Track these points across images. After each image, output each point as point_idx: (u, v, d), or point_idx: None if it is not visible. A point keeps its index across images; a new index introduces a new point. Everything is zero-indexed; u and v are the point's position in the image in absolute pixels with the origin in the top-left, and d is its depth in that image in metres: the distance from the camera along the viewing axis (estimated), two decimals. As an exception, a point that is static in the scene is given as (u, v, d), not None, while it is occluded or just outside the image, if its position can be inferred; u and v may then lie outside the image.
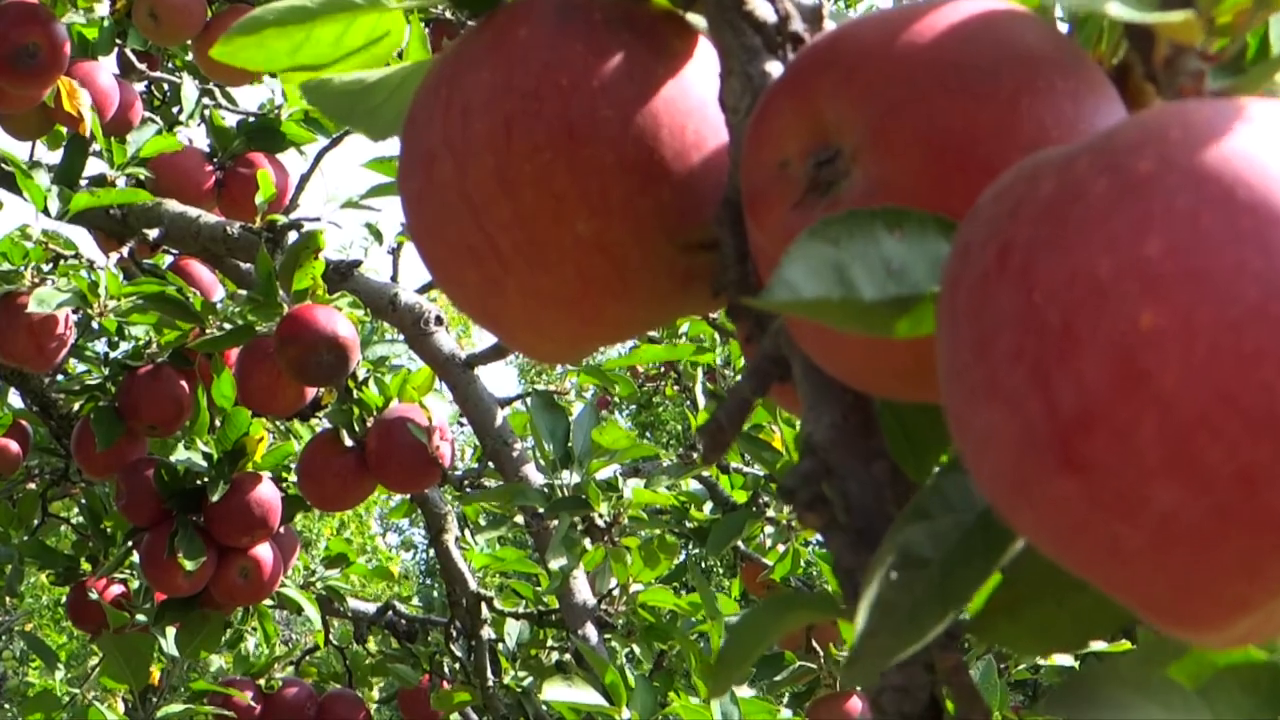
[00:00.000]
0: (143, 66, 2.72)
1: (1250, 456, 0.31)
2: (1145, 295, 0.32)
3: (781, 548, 2.47)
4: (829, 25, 0.56)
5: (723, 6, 0.53)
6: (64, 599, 2.67)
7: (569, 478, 1.97)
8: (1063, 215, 0.34)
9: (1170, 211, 0.32)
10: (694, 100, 0.56)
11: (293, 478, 2.36)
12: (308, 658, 3.18)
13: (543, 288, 0.56)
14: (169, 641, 2.46)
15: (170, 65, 2.96)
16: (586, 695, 1.84)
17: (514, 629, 2.53)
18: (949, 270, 0.36)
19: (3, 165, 2.28)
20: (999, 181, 0.37)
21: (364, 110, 0.67)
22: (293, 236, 2.27)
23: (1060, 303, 0.33)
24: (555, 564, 1.94)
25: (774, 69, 0.52)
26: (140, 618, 2.48)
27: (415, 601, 3.43)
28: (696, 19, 0.59)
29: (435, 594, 3.00)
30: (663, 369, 3.33)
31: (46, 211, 2.16)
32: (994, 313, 0.34)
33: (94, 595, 2.54)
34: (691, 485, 2.62)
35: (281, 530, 2.43)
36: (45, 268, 2.24)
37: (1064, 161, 0.35)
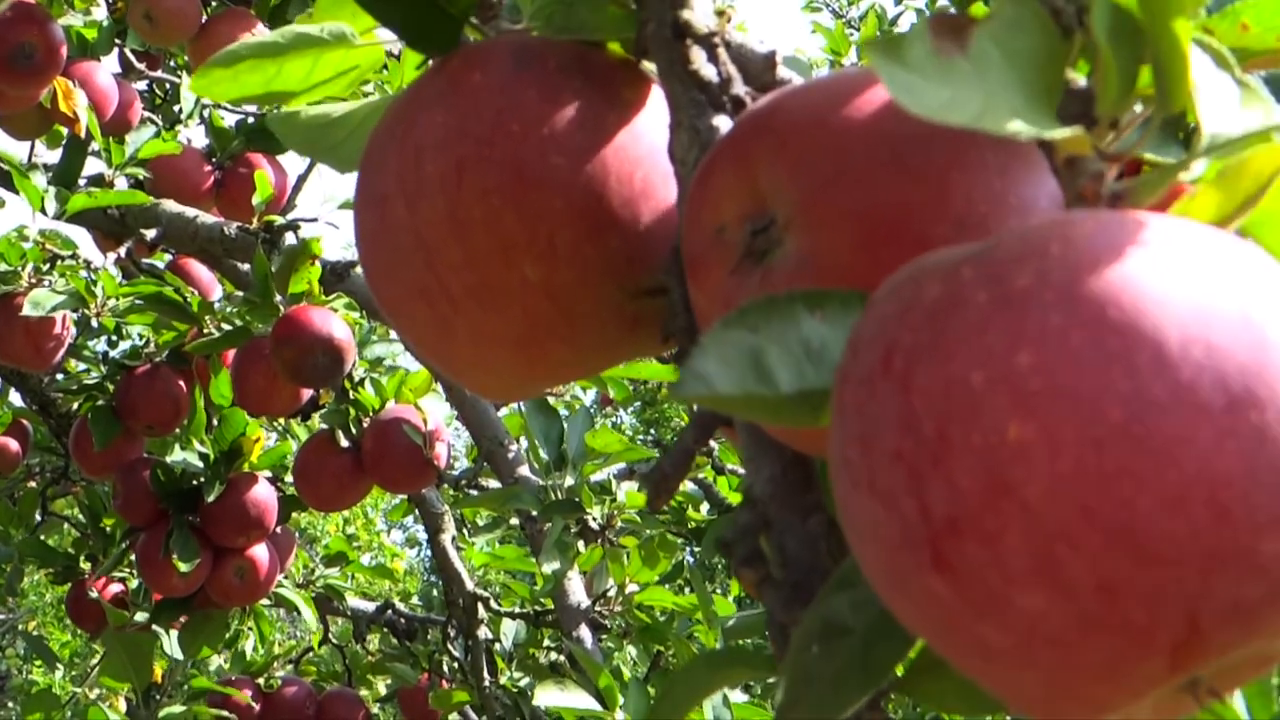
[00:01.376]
0: (142, 66, 2.72)
1: (1110, 569, 0.32)
2: (1014, 409, 0.32)
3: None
4: (781, 73, 0.56)
5: (670, 61, 0.54)
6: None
7: (563, 481, 1.97)
8: (944, 323, 0.34)
9: (1043, 328, 0.33)
10: (644, 148, 0.57)
11: (290, 478, 2.36)
12: (307, 656, 3.19)
13: (491, 329, 0.57)
14: (170, 640, 2.46)
15: (171, 65, 2.96)
16: (579, 699, 1.84)
17: (510, 629, 2.53)
18: (841, 365, 0.37)
19: (1, 165, 2.29)
20: (893, 278, 0.37)
21: (328, 145, 0.68)
22: (290, 237, 2.27)
23: (936, 410, 0.33)
24: (548, 567, 1.94)
25: (722, 124, 0.53)
26: (140, 616, 2.48)
27: (416, 600, 3.44)
28: (651, 67, 0.59)
29: (436, 592, 3.01)
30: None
31: (44, 211, 2.16)
32: (876, 413, 0.35)
33: (93, 594, 2.55)
34: (689, 487, 2.62)
35: (278, 530, 2.43)
36: (43, 268, 2.24)
37: (950, 268, 0.36)
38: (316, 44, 0.66)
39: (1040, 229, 0.35)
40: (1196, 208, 0.38)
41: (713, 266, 0.48)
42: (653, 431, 8.02)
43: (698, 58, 0.53)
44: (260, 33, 2.34)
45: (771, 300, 0.39)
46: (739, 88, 0.53)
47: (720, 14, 0.56)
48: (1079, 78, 0.39)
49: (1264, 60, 0.42)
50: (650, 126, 0.57)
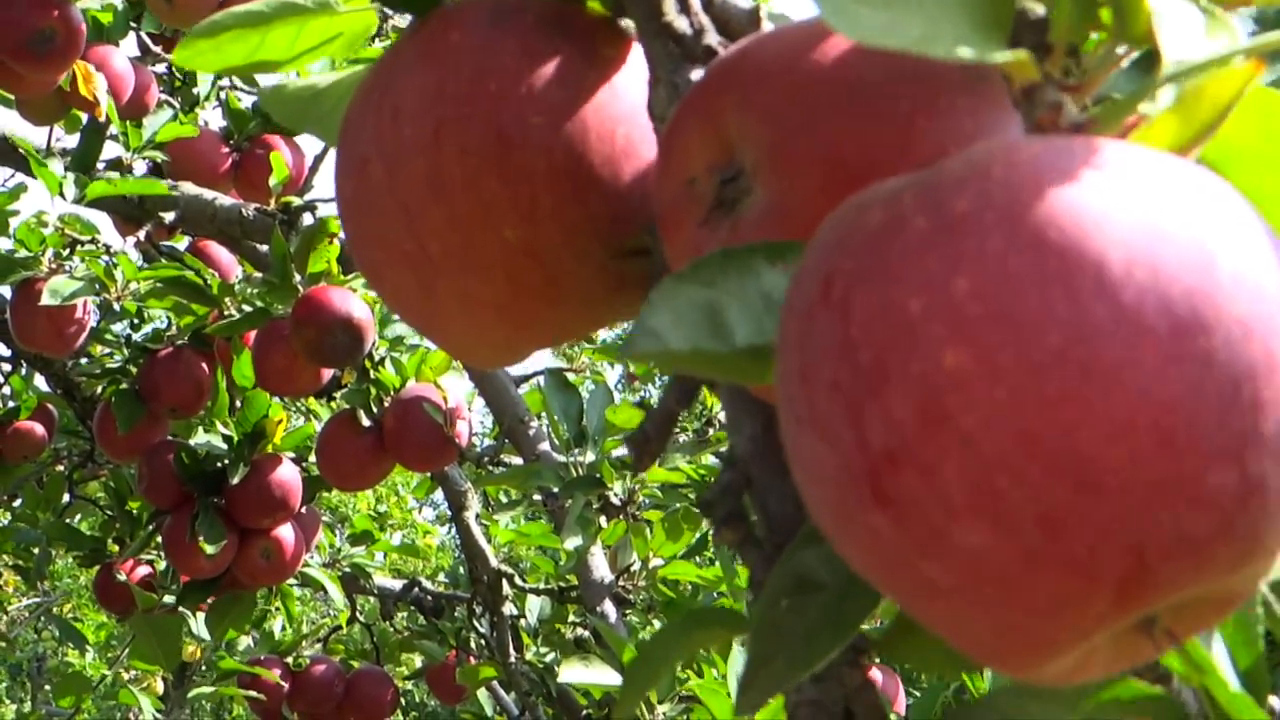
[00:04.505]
0: (158, 49, 2.72)
1: (1052, 500, 0.31)
2: (951, 335, 0.31)
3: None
4: (765, 27, 0.55)
5: (646, 15, 0.53)
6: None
7: (583, 457, 1.97)
8: (883, 250, 0.33)
9: (981, 252, 0.32)
10: (625, 106, 0.56)
11: (314, 458, 2.37)
12: (335, 635, 3.20)
13: (475, 292, 0.56)
14: (198, 622, 2.48)
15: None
16: (604, 675, 1.84)
17: (536, 605, 2.54)
18: (786, 297, 0.36)
19: (20, 150, 2.29)
20: (838, 209, 0.36)
21: (315, 115, 0.68)
22: (308, 218, 2.27)
23: (874, 338, 0.32)
24: (570, 544, 1.94)
25: (700, 78, 0.52)
26: (168, 598, 2.50)
27: (443, 578, 3.45)
28: (630, 24, 0.58)
29: (462, 570, 3.02)
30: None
31: (63, 196, 2.17)
32: (816, 342, 0.34)
33: (121, 577, 2.56)
34: (711, 460, 2.62)
35: (303, 511, 2.44)
36: (63, 253, 2.25)
37: (893, 194, 0.34)
38: (300, 11, 0.65)
39: (984, 152, 0.34)
40: (1154, 135, 0.37)
41: (683, 219, 0.47)
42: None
43: (670, 9, 0.52)
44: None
45: (728, 253, 0.38)
46: (712, 38, 0.52)
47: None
48: (1036, 6, 0.38)
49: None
50: (631, 84, 0.56)
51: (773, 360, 0.37)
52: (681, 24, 0.52)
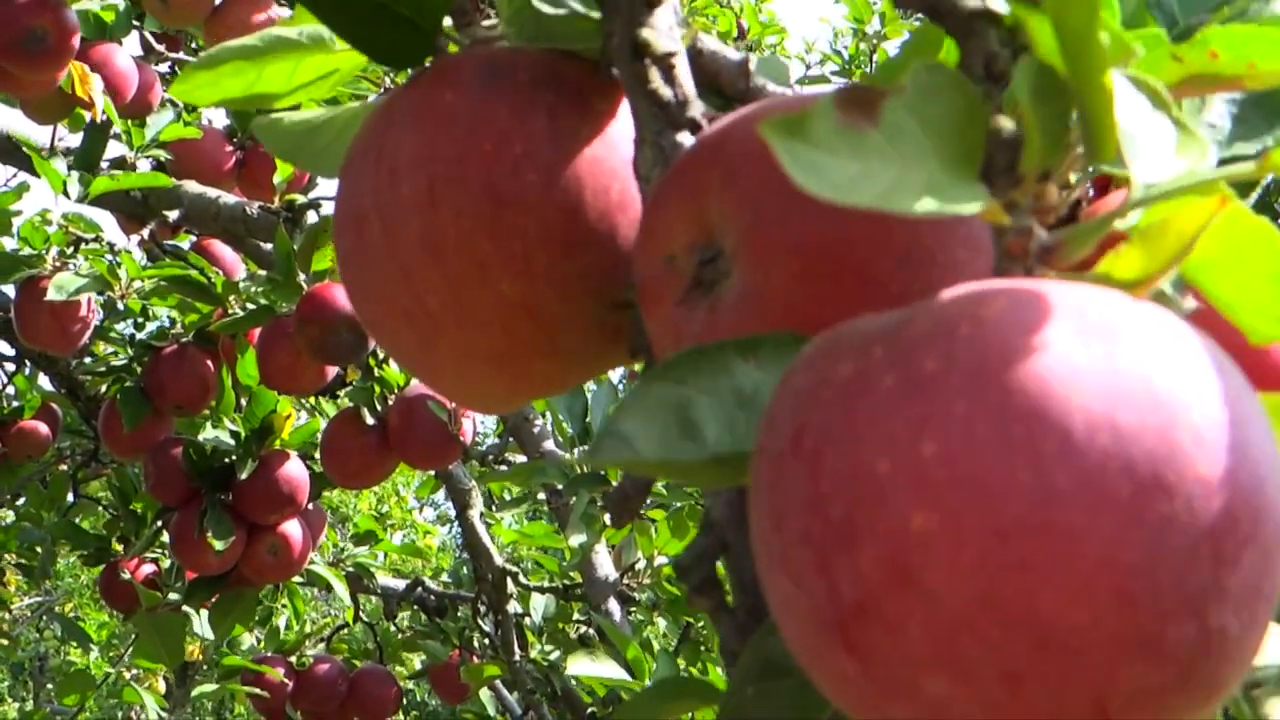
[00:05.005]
0: (162, 48, 2.72)
1: (1013, 658, 0.31)
2: (919, 499, 0.32)
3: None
4: (756, 81, 0.55)
5: (632, 77, 0.53)
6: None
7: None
8: (852, 405, 0.34)
9: (948, 416, 0.32)
10: (619, 159, 0.56)
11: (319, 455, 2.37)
12: (339, 635, 3.20)
13: (473, 347, 0.56)
14: (202, 620, 2.48)
15: (192, 46, 2.96)
16: (610, 669, 1.85)
17: (540, 603, 2.54)
18: (759, 437, 0.37)
19: (23, 149, 2.29)
20: (812, 346, 0.36)
21: (311, 151, 0.68)
22: (312, 216, 2.27)
23: (843, 495, 0.33)
24: (575, 541, 1.94)
25: (686, 140, 0.52)
26: (173, 596, 2.50)
27: (445, 577, 3.45)
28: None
29: (465, 569, 3.02)
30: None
31: (66, 194, 2.17)
32: (787, 492, 0.34)
33: (126, 575, 2.56)
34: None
35: (310, 507, 2.44)
36: (67, 251, 2.25)
37: (862, 345, 0.35)
38: (295, 48, 0.66)
39: (952, 305, 0.34)
40: (1120, 267, 0.37)
41: (663, 295, 0.48)
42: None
43: (655, 78, 0.52)
44: (275, 14, 2.34)
45: (701, 351, 0.39)
46: (695, 110, 0.52)
47: (687, 24, 0.55)
48: (1008, 123, 0.38)
49: (1232, 84, 0.41)
50: (624, 136, 0.56)
51: (743, 465, 0.37)
52: (666, 93, 0.52)
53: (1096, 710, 0.32)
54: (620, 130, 0.57)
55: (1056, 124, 0.37)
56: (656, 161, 0.51)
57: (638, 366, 0.58)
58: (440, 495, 2.81)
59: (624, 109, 0.58)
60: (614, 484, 1.99)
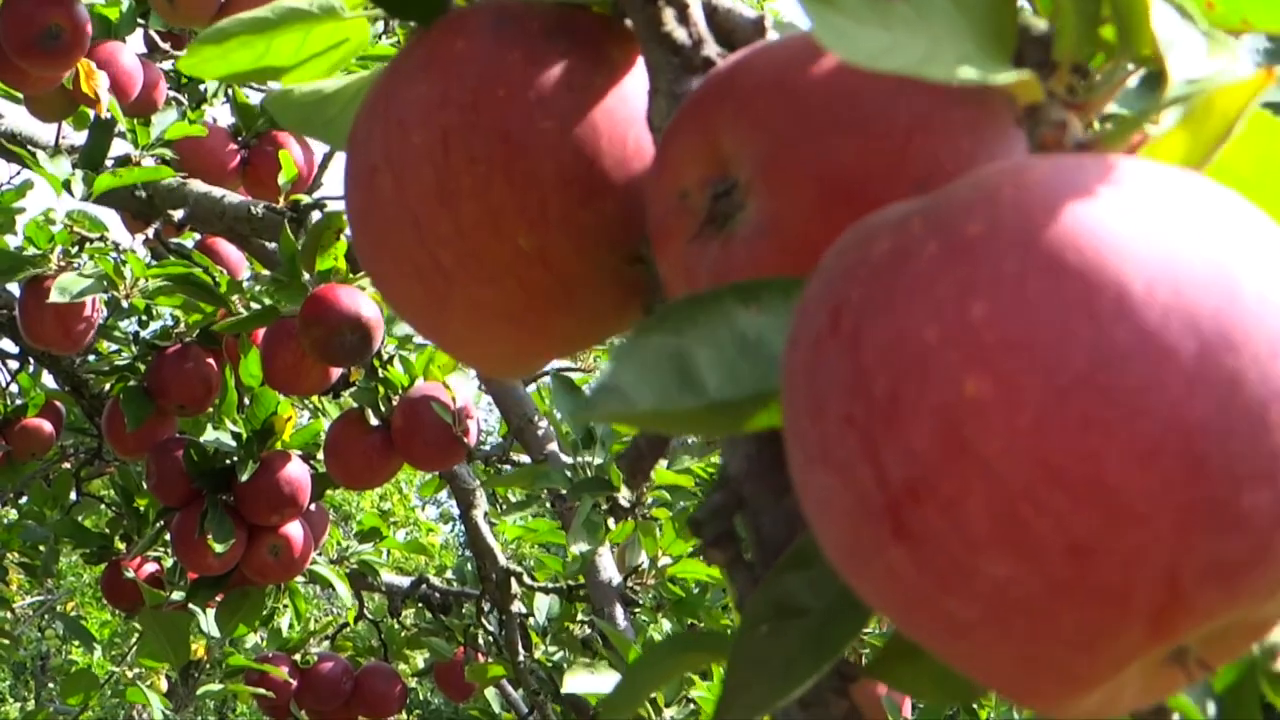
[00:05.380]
0: (167, 46, 2.71)
1: (1080, 529, 0.30)
2: (969, 363, 0.30)
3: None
4: (771, 38, 0.54)
5: (645, 23, 0.52)
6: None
7: (591, 459, 1.96)
8: (893, 278, 0.32)
9: (996, 276, 0.31)
10: (635, 109, 0.55)
11: (322, 456, 2.37)
12: (343, 632, 3.20)
13: (487, 301, 0.55)
14: (208, 619, 2.47)
15: (197, 43, 2.95)
16: (609, 683, 1.83)
17: (544, 603, 2.53)
18: (792, 329, 0.35)
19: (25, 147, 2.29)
20: (844, 237, 0.35)
21: (322, 120, 0.67)
22: (317, 216, 2.27)
23: (887, 369, 0.31)
24: (577, 549, 1.93)
25: (695, 88, 0.51)
26: (176, 595, 2.49)
27: (450, 575, 3.44)
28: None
29: (470, 567, 3.01)
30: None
31: (71, 193, 2.16)
32: (826, 376, 0.33)
33: (129, 574, 2.56)
34: (719, 460, 2.61)
35: (312, 508, 2.44)
36: (72, 250, 2.25)
37: (899, 221, 0.33)
38: (305, 18, 0.65)
39: (992, 174, 0.33)
40: (1163, 150, 0.36)
41: (675, 234, 0.46)
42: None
43: (669, 20, 0.51)
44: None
45: (696, 299, 0.37)
46: (711, 49, 0.51)
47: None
48: (1040, 23, 0.37)
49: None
50: (640, 87, 0.55)
51: (747, 411, 0.36)
52: (681, 34, 0.51)
53: (1168, 587, 0.30)
54: (635, 83, 0.56)
55: (1090, 12, 0.37)
56: (670, 111, 0.50)
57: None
58: (443, 493, 2.80)
59: (639, 65, 0.56)
60: (617, 489, 1.98)
